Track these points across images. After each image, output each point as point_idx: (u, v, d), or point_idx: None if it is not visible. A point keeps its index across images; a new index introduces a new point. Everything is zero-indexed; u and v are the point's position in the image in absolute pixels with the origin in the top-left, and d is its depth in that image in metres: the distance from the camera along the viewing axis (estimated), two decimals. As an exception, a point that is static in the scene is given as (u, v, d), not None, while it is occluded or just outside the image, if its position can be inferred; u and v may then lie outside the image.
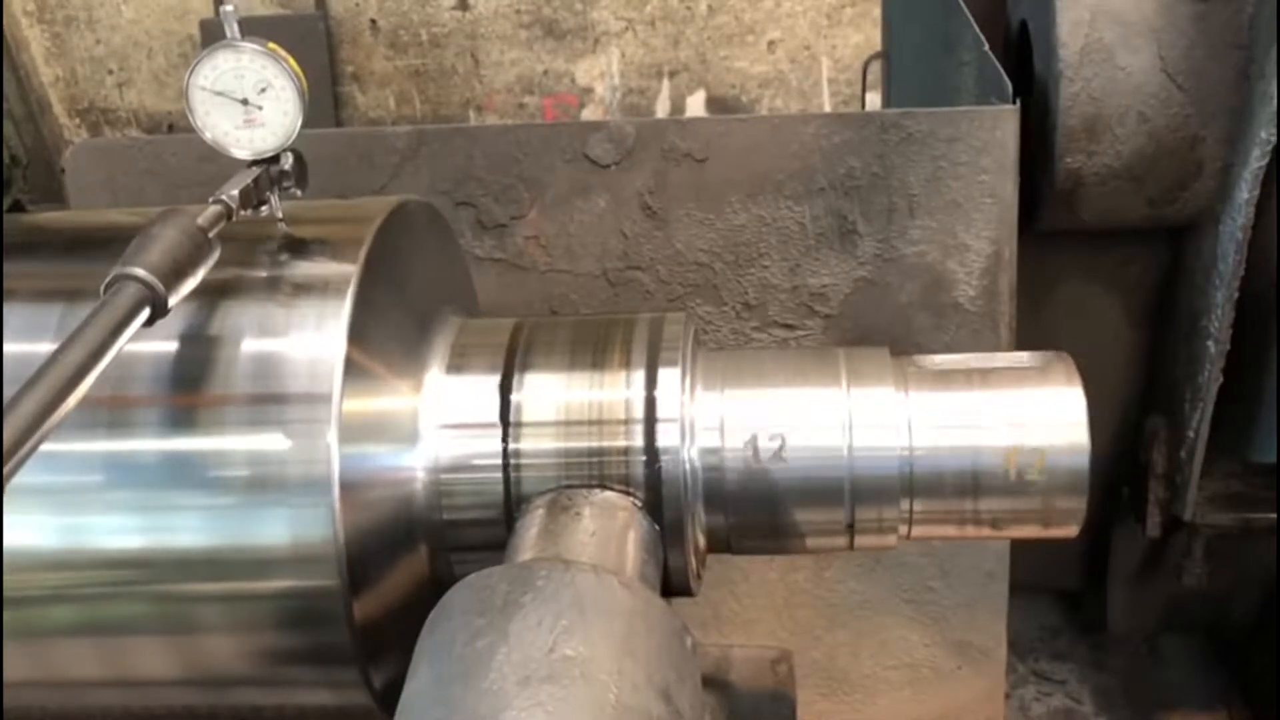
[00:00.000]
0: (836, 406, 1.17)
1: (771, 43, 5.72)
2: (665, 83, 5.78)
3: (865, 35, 5.50)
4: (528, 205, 1.95)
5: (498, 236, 1.96)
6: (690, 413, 1.17)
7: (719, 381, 1.21)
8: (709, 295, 1.93)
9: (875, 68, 5.53)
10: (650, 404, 1.17)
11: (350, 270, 1.13)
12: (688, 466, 1.15)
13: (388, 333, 1.19)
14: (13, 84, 5.61)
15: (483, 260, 1.98)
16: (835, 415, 1.16)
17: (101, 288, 0.97)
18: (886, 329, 1.88)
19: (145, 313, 0.96)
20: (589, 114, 5.80)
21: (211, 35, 5.45)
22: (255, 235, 1.19)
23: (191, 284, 1.01)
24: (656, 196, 1.91)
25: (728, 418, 1.18)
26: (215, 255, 1.04)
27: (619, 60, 5.74)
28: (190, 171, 1.95)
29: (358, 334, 1.11)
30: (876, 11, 5.56)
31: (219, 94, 1.12)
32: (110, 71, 5.87)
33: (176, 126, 5.70)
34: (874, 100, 5.90)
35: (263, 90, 1.13)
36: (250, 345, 1.12)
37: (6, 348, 1.14)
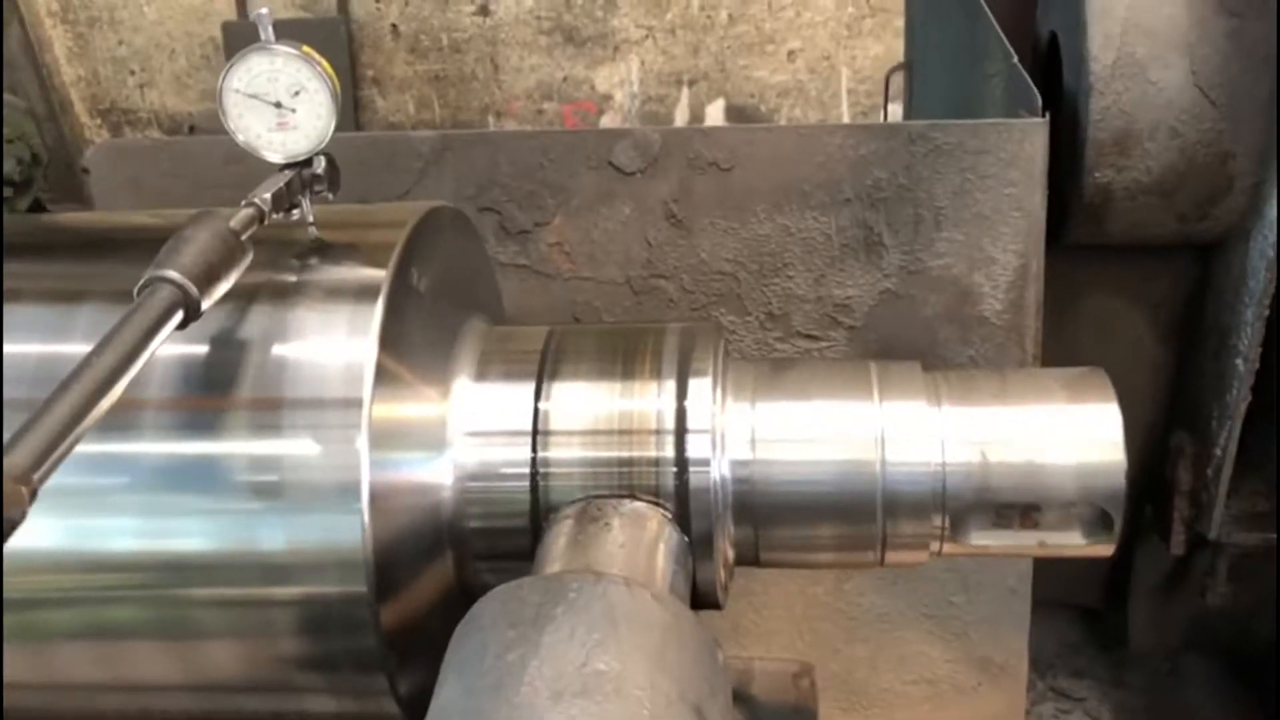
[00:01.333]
0: (869, 420, 1.16)
1: (791, 52, 5.71)
2: (684, 91, 5.78)
3: (885, 46, 5.49)
4: (552, 212, 1.94)
5: (521, 242, 1.96)
6: (721, 424, 1.16)
7: (749, 393, 1.20)
8: (733, 305, 1.92)
9: (897, 79, 5.52)
10: (680, 414, 1.16)
11: (381, 276, 1.13)
12: (718, 478, 1.14)
13: (417, 339, 1.18)
14: (35, 83, 5.65)
15: (506, 266, 1.98)
16: (867, 429, 1.15)
17: (135, 290, 0.96)
18: (911, 341, 1.87)
19: (178, 316, 0.95)
20: (608, 121, 5.80)
21: (234, 37, 5.47)
22: (286, 239, 1.18)
23: (224, 287, 1.01)
24: (681, 205, 1.90)
25: (758, 429, 1.17)
26: (248, 258, 1.04)
27: (638, 68, 5.74)
28: (215, 173, 1.95)
29: (388, 340, 1.11)
30: (897, 22, 5.56)
31: (252, 97, 1.12)
32: (132, 72, 5.90)
33: (197, 128, 5.72)
34: (895, 111, 5.88)
35: (296, 93, 1.12)
36: (280, 350, 1.11)
37: (31, 348, 1.14)
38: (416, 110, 5.77)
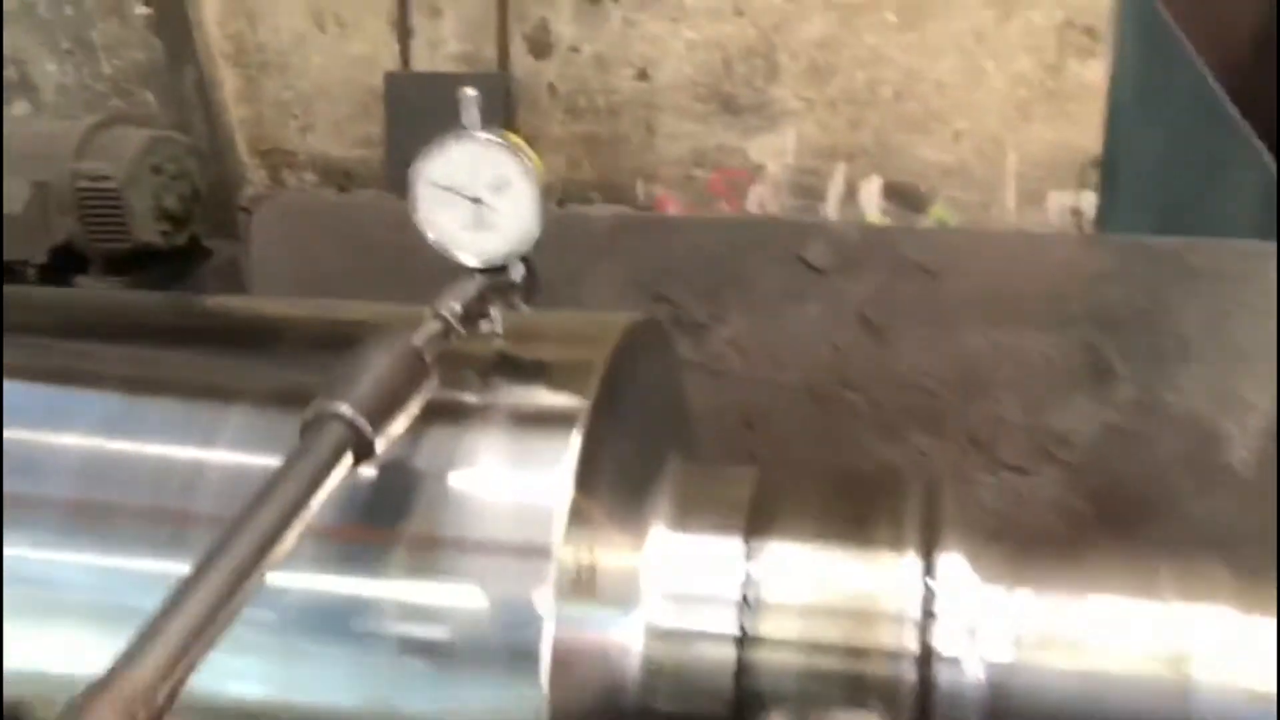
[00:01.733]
0: (1166, 627, 0.93)
1: (957, 133, 5.51)
2: (841, 165, 5.62)
3: (1059, 132, 5.26)
4: (731, 305, 1.77)
5: (695, 337, 1.79)
6: (974, 612, 0.95)
7: (1005, 575, 0.98)
8: (930, 426, 1.71)
9: (1078, 171, 5.23)
10: (926, 597, 0.95)
11: (579, 403, 0.96)
12: (971, 682, 0.93)
13: (613, 477, 1.01)
14: (204, 122, 5.80)
15: (676, 361, 1.81)
16: (1166, 638, 0.93)
17: (300, 424, 0.81)
18: (1139, 486, 1.63)
19: (348, 459, 0.80)
20: (759, 192, 5.68)
21: (395, 88, 5.52)
22: (468, 351, 1.03)
23: (404, 422, 0.85)
24: (878, 309, 1.71)
25: (1021, 623, 0.95)
26: (433, 384, 0.88)
27: (795, 139, 5.61)
28: (380, 237, 1.85)
29: (583, 478, 0.93)
30: (1072, 108, 5.27)
31: (448, 190, 0.97)
32: (294, 116, 6.04)
33: (353, 174, 5.79)
34: (1066, 201, 5.61)
35: (498, 189, 0.97)
36: (456, 480, 0.95)
37: (178, 451, 1.01)
38: (567, 170, 5.75)
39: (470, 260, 1.01)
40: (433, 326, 0.94)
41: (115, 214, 4.68)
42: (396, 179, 6.34)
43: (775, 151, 5.59)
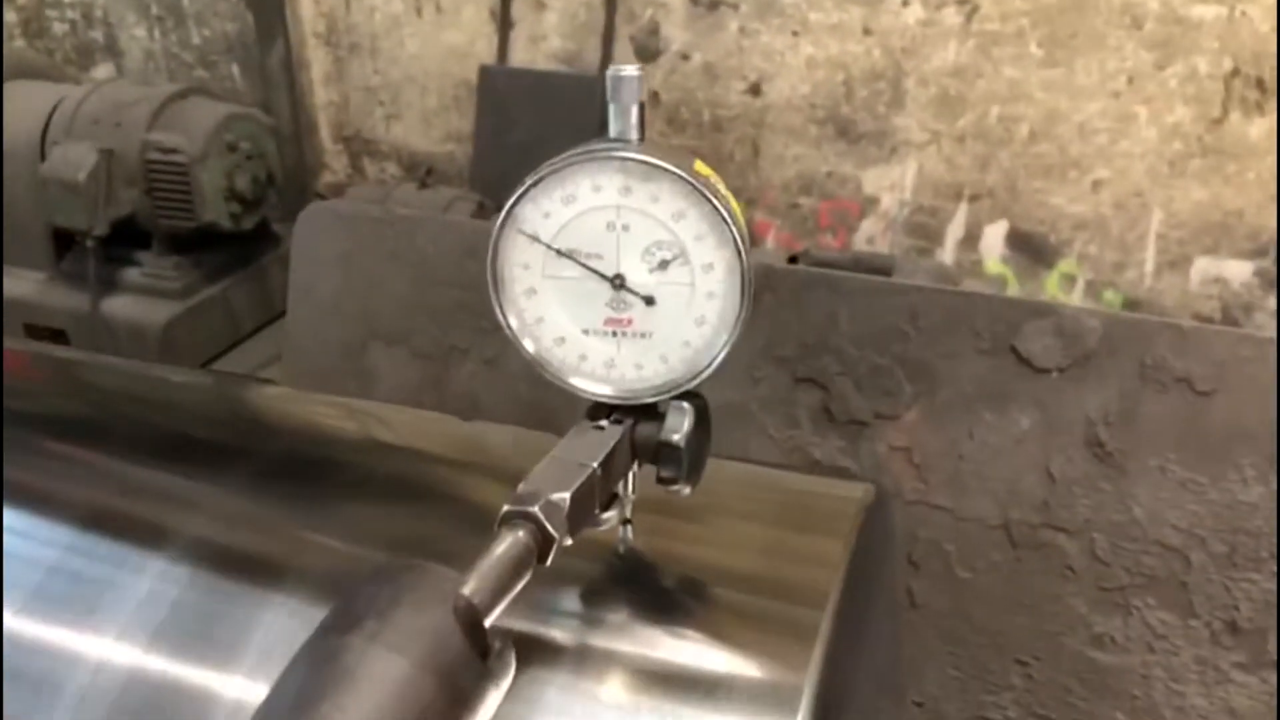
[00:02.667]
0: None
1: (1097, 182, 5.09)
2: (963, 206, 5.22)
3: (1212, 193, 4.81)
4: (906, 401, 1.33)
5: (849, 437, 1.35)
6: None
7: None
8: (1170, 598, 1.25)
9: (1220, 234, 4.76)
10: None
11: (793, 674, 0.52)
12: None
13: None
14: (288, 103, 5.52)
15: (818, 467, 1.37)
16: None
17: None
18: None
19: None
20: (869, 226, 5.29)
21: (490, 83, 5.18)
22: (584, 549, 0.59)
23: None
24: (1117, 431, 1.25)
25: None
26: (505, 680, 0.44)
27: (914, 174, 5.22)
28: (449, 267, 1.44)
29: None
30: (1231, 168, 4.83)
31: (566, 256, 0.52)
32: (381, 103, 5.77)
33: (436, 170, 5.46)
34: (1210, 271, 5.17)
35: (664, 262, 0.51)
36: None
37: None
38: (663, 185, 5.39)
39: (596, 390, 0.55)
40: (511, 545, 0.49)
41: (183, 190, 4.36)
42: (481, 178, 6.00)
43: (891, 185, 5.20)
